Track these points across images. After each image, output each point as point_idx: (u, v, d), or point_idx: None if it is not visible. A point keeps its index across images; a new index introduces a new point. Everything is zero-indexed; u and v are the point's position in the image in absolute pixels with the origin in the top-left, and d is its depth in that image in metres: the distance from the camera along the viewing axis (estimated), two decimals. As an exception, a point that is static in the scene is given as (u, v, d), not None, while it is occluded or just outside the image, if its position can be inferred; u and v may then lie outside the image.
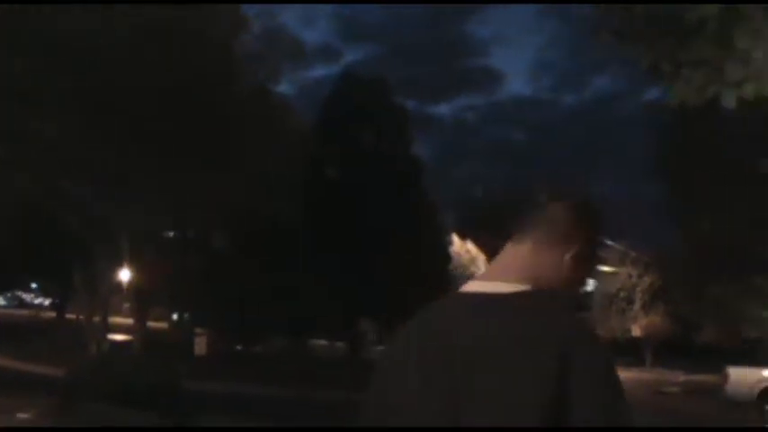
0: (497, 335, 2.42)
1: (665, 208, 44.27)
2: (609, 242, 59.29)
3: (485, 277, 2.69)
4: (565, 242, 2.70)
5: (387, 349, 2.82)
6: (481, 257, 59.71)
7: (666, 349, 56.11)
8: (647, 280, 57.96)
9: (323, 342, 54.80)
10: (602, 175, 60.48)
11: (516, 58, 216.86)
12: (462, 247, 58.94)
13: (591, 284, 68.30)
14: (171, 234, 44.28)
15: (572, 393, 2.30)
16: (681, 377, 43.11)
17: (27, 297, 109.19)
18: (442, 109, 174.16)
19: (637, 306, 58.97)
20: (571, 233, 2.74)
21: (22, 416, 14.93)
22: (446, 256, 55.26)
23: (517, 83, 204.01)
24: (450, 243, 56.94)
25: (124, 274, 45.87)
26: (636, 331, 58.72)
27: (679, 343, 56.04)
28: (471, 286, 2.65)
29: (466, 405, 2.36)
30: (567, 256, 2.69)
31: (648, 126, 41.99)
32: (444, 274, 51.00)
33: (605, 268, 60.79)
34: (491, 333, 2.43)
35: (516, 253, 2.68)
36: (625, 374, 46.52)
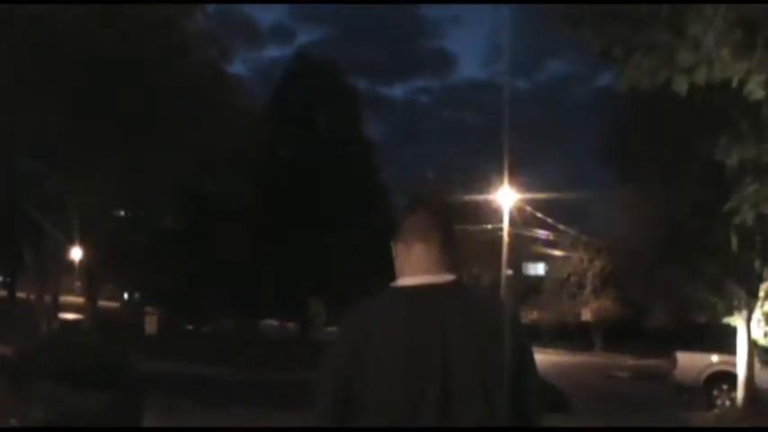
0: (456, 310, 3.30)
1: (616, 193, 44.52)
2: (561, 227, 59.63)
3: (428, 271, 3.43)
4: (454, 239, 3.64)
5: (354, 322, 3.38)
6: (433, 240, 59.85)
7: (616, 334, 56.45)
8: (597, 264, 58.31)
9: (273, 322, 54.72)
10: (555, 160, 60.48)
11: (470, 41, 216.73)
12: (414, 230, 59.05)
13: (542, 268, 68.72)
14: (122, 213, 44.02)
15: (510, 338, 3.36)
16: (630, 361, 43.47)
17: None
18: (396, 91, 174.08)
19: (587, 290, 59.34)
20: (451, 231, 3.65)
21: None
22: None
23: (472, 66, 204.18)
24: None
25: (75, 253, 45.60)
26: (586, 315, 59.09)
27: (629, 327, 56.36)
28: (419, 279, 3.41)
29: (446, 352, 3.21)
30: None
31: (600, 111, 42.20)
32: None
33: (556, 252, 61.11)
34: (452, 309, 3.30)
35: (430, 251, 3.48)
36: (575, 359, 47.00)
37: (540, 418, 3.71)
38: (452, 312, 3.31)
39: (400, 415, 3.15)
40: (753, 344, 24.80)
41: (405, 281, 3.44)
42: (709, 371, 27.39)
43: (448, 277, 3.42)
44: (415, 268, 3.45)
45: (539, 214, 60.21)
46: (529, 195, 60.62)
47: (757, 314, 25.47)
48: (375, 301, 3.41)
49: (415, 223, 3.55)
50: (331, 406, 3.30)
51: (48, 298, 43.12)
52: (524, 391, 3.48)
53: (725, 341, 26.64)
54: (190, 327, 49.36)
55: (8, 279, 76.47)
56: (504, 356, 3.31)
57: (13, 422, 9.39)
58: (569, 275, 59.85)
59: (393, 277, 3.51)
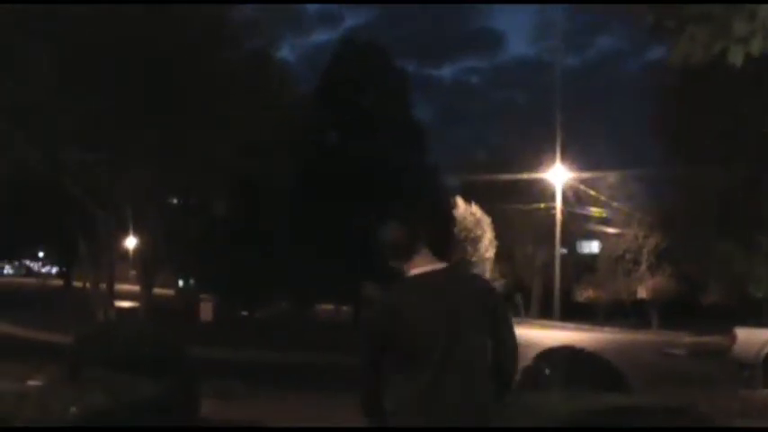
0: (450, 284, 4.99)
1: (670, 167, 44.14)
2: (614, 204, 59.21)
3: (431, 263, 5.09)
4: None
5: (388, 297, 5.12)
6: (486, 220, 59.54)
7: (673, 311, 55.97)
8: (652, 241, 57.73)
9: (328, 306, 54.85)
10: (607, 137, 59.93)
11: (518, 19, 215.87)
12: (467, 210, 58.71)
13: (596, 246, 68.25)
14: (174, 201, 44.27)
15: (495, 312, 5.09)
16: (687, 338, 43.03)
17: (34, 266, 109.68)
18: (444, 72, 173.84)
19: (642, 267, 58.82)
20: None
21: (32, 382, 14.98)
22: (449, 219, 55.14)
23: (520, 44, 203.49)
24: (454, 206, 56.70)
25: (130, 242, 45.93)
26: (642, 293, 58.61)
27: (685, 304, 55.94)
28: (424, 269, 5.06)
29: (447, 310, 4.82)
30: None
31: (651, 85, 41.81)
32: (446, 237, 50.92)
33: (610, 230, 60.65)
34: (453, 284, 5.01)
35: (427, 254, 5.15)
36: (631, 336, 46.68)
37: (513, 359, 5.27)
38: (449, 285, 4.96)
39: (424, 349, 4.77)
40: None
41: (415, 271, 5.06)
42: (770, 346, 26.99)
43: (441, 265, 5.07)
44: (420, 263, 5.09)
45: (591, 192, 59.82)
46: (581, 173, 60.26)
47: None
48: (399, 285, 5.09)
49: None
50: (372, 349, 4.95)
51: (103, 286, 43.47)
52: (501, 333, 5.11)
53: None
54: (245, 313, 49.55)
55: (64, 269, 77.32)
56: (479, 310, 4.97)
57: (73, 410, 9.47)
58: (624, 253, 59.37)
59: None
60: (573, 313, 58.14)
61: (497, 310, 5.12)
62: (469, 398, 4.78)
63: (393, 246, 5.27)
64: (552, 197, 60.79)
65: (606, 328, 52.61)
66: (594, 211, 60.92)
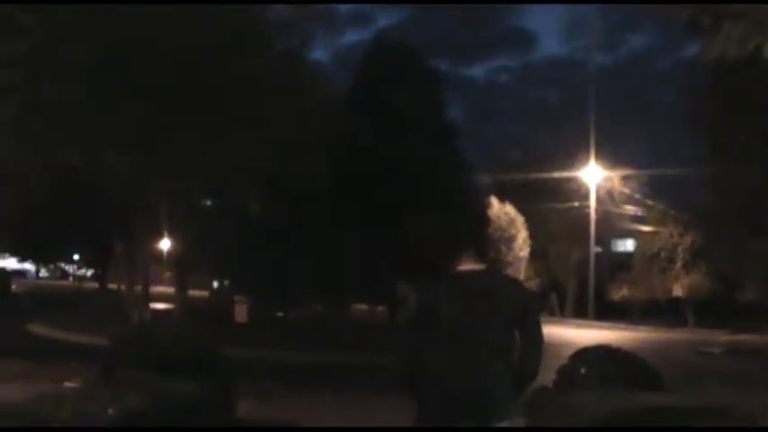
0: (491, 284, 5.79)
1: (705, 165, 43.93)
2: (649, 202, 58.99)
3: (469, 265, 5.85)
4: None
5: (432, 289, 5.89)
6: (520, 219, 59.47)
7: (708, 309, 55.64)
8: (687, 239, 57.49)
9: (363, 307, 54.83)
10: (640, 135, 59.74)
11: (549, 18, 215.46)
12: (501, 210, 58.69)
13: (630, 245, 68.02)
14: (209, 202, 44.43)
15: (522, 305, 5.78)
16: (723, 337, 42.82)
17: (69, 268, 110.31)
18: (476, 71, 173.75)
19: (678, 266, 58.56)
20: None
21: (68, 384, 15.06)
22: (484, 219, 55.04)
23: (552, 43, 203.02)
24: (488, 205, 56.64)
25: (164, 244, 46.15)
26: (677, 291, 58.37)
27: (721, 302, 55.58)
28: (467, 267, 5.84)
29: (476, 312, 5.58)
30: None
31: (684, 83, 41.63)
32: (482, 237, 50.85)
33: (645, 228, 60.46)
34: (487, 283, 5.78)
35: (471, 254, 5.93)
36: (666, 335, 46.47)
37: (537, 351, 5.84)
38: (484, 284, 5.77)
39: (454, 331, 5.59)
40: None
41: (462, 268, 5.86)
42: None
43: (481, 265, 5.88)
44: (466, 262, 5.89)
45: (625, 190, 59.63)
46: (615, 171, 60.08)
47: None
48: (439, 279, 5.94)
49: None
50: (408, 332, 5.87)
51: (138, 289, 43.72)
52: (528, 330, 5.75)
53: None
54: (280, 314, 49.61)
55: (99, 271, 77.73)
56: (508, 309, 5.68)
57: (109, 412, 9.51)
58: (659, 251, 59.13)
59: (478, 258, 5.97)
60: (607, 312, 57.99)
61: (527, 310, 5.76)
62: (469, 383, 5.46)
63: (444, 245, 6.04)
64: (586, 196, 60.64)
65: (641, 327, 52.37)
66: (629, 209, 60.75)
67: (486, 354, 5.53)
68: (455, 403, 5.45)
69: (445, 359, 5.53)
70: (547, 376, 14.14)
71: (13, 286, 51.78)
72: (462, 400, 5.44)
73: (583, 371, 12.93)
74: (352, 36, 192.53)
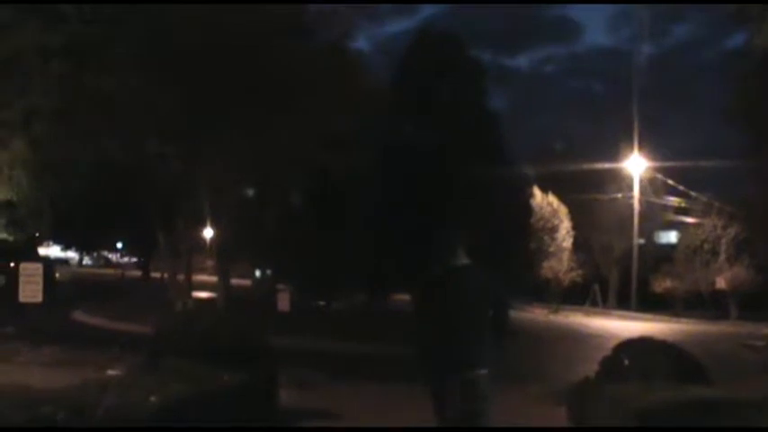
0: (462, 275, 8.37)
1: (749, 156, 43.51)
2: (692, 194, 58.62)
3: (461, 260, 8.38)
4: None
5: (431, 281, 8.45)
6: (563, 210, 59.33)
7: (752, 302, 55.23)
8: (731, 231, 57.05)
9: (405, 296, 54.81)
10: (685, 126, 59.49)
11: (594, 8, 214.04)
12: (544, 200, 58.56)
13: (674, 237, 67.64)
14: (251, 192, 44.49)
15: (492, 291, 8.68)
16: (766, 329, 42.48)
17: (113, 257, 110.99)
18: (520, 61, 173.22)
19: (721, 258, 58.12)
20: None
21: (113, 372, 15.16)
22: (528, 209, 54.89)
23: (596, 33, 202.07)
24: (531, 196, 56.53)
25: (207, 233, 46.31)
26: (721, 284, 57.89)
27: (764, 295, 55.12)
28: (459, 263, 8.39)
29: (459, 289, 8.24)
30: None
31: (729, 73, 41.23)
32: (526, 227, 50.69)
33: (689, 220, 60.09)
34: (461, 275, 8.38)
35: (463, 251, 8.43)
36: (710, 328, 46.18)
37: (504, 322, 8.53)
38: (460, 276, 8.30)
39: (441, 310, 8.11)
40: None
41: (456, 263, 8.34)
42: None
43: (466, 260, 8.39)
44: (462, 257, 8.38)
45: (669, 181, 59.29)
46: (659, 162, 59.76)
47: None
48: (435, 273, 8.39)
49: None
50: (421, 312, 8.49)
51: (181, 277, 43.92)
52: (500, 311, 8.45)
53: None
54: (322, 303, 49.67)
55: (142, 259, 78.20)
56: (480, 293, 8.23)
57: (152, 399, 9.57)
58: (702, 243, 58.71)
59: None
60: (650, 304, 57.77)
61: (495, 291, 8.44)
62: (455, 338, 8.09)
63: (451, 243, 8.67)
64: (630, 187, 60.38)
65: (684, 319, 52.14)
66: (672, 200, 60.39)
67: (463, 326, 8.12)
68: (440, 360, 8.14)
69: (433, 330, 8.19)
70: (590, 367, 14.13)
71: (57, 275, 52.08)
72: (443, 358, 8.13)
73: (626, 362, 12.87)
74: (395, 26, 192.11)
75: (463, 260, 8.48)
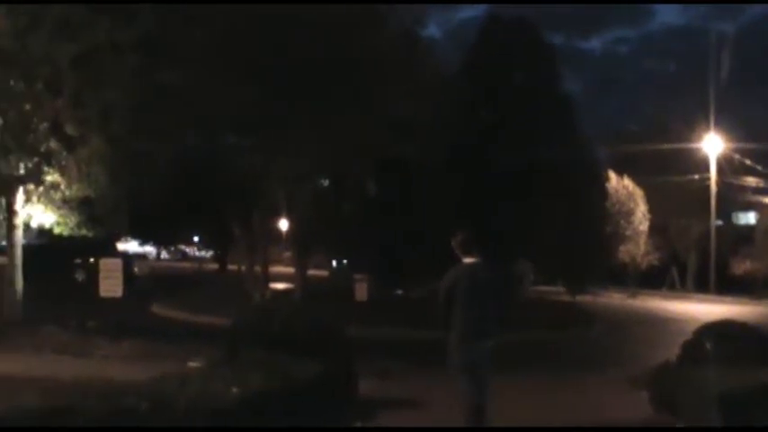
0: (482, 268, 10.95)
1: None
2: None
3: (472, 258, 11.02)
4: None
5: (452, 275, 10.93)
6: (638, 192, 58.80)
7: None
8: (814, 212, 56.22)
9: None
10: (762, 103, 58.61)
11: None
12: (619, 183, 58.07)
13: (752, 218, 66.76)
14: (327, 183, 44.62)
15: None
16: None
17: (189, 250, 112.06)
18: (593, 43, 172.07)
19: (804, 240, 57.30)
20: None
21: (193, 364, 15.32)
22: (604, 193, 54.47)
23: (669, 12, 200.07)
24: (606, 179, 56.08)
25: (283, 225, 46.54)
26: (802, 267, 57.10)
27: None
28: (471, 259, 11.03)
29: (480, 282, 10.80)
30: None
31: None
32: (602, 211, 50.29)
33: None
34: (484, 269, 10.96)
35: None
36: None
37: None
38: (481, 269, 10.80)
39: (468, 304, 10.53)
40: None
41: (465, 261, 10.86)
42: None
43: (477, 257, 10.84)
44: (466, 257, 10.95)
45: (747, 161, 58.47)
46: (736, 143, 58.98)
47: None
48: (459, 266, 10.88)
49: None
50: (444, 301, 10.69)
51: (258, 269, 44.16)
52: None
53: None
54: (399, 292, 49.69)
55: (219, 252, 78.79)
56: (501, 284, 11.51)
57: (233, 391, 9.64)
58: (784, 225, 57.96)
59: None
60: (729, 286, 57.11)
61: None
62: (482, 329, 10.66)
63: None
64: (706, 168, 59.68)
65: (765, 302, 51.44)
66: (750, 180, 59.56)
67: (487, 310, 10.63)
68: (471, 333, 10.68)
69: (464, 313, 10.59)
70: (671, 352, 14.00)
71: (136, 269, 52.70)
72: (476, 334, 10.70)
73: (708, 346, 12.75)
74: (466, 12, 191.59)
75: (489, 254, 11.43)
